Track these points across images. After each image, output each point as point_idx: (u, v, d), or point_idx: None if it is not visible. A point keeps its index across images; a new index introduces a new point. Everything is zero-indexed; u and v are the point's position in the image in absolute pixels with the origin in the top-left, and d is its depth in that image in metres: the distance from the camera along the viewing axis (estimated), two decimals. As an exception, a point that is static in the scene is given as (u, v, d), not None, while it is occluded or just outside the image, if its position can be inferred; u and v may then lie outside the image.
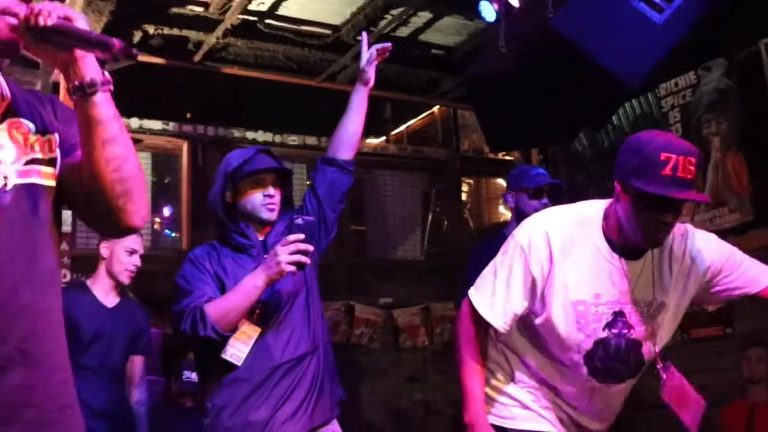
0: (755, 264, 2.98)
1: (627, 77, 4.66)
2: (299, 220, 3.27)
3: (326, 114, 8.67)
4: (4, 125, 1.87)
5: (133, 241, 4.79)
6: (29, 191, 1.84)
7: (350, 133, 3.86)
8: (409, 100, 8.82)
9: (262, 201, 3.48)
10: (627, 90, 5.09)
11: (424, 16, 6.97)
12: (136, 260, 4.78)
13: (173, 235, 8.50)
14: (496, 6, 5.48)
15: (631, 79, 4.69)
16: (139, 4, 6.21)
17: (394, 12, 6.74)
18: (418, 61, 7.67)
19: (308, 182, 8.74)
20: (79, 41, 1.74)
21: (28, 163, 1.86)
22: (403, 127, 10.23)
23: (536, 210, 4.16)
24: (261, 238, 3.53)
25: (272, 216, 3.50)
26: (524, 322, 2.99)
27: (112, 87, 1.81)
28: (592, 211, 2.93)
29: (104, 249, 4.78)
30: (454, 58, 7.73)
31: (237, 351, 3.30)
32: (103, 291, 4.77)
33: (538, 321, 2.94)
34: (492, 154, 9.16)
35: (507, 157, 9.48)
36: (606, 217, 2.88)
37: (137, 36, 6.58)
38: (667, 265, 2.92)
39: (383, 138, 10.10)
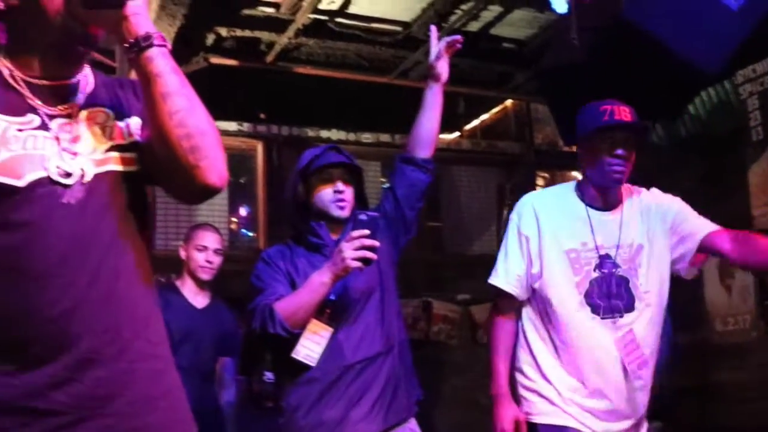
0: (701, 217, 3.52)
1: (704, 64, 4.56)
2: (363, 216, 3.24)
3: (399, 111, 8.69)
4: (83, 116, 1.91)
5: (202, 238, 4.81)
6: (108, 180, 1.86)
7: (427, 131, 3.79)
8: (481, 95, 8.78)
9: (332, 197, 3.48)
10: (704, 77, 4.98)
11: (495, 9, 6.91)
12: (209, 256, 4.78)
13: (250, 234, 8.58)
14: (567, -3, 5.40)
15: (709, 66, 4.58)
16: (212, 8, 6.28)
17: (465, 6, 6.71)
18: (489, 55, 7.62)
19: (382, 180, 8.77)
20: None
21: (106, 151, 1.88)
22: (476, 122, 10.16)
23: None
24: (334, 237, 3.51)
25: (342, 213, 3.49)
26: (534, 304, 3.53)
27: (168, 44, 1.82)
28: (567, 183, 3.67)
29: (182, 251, 4.82)
30: (525, 51, 7.66)
31: (309, 351, 3.29)
32: (191, 292, 4.79)
33: (538, 284, 3.48)
34: (566, 147, 9.06)
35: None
36: (580, 183, 3.58)
37: (210, 39, 6.67)
38: (638, 214, 3.51)
39: (457, 133, 10.05)
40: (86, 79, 1.98)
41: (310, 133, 8.04)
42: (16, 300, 1.72)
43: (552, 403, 3.42)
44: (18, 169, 1.75)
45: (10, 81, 1.87)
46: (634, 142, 3.41)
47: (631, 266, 3.43)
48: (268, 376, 5.76)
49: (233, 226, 8.47)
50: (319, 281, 3.24)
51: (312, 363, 3.30)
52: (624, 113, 3.35)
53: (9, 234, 1.73)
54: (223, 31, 6.67)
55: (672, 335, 4.63)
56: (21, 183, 1.75)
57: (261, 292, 3.38)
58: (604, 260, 3.43)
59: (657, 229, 3.50)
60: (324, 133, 8.07)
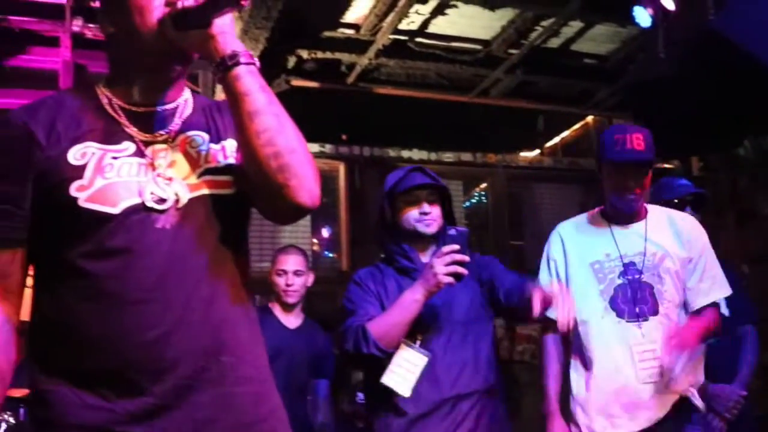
0: (711, 279, 3.63)
1: (796, 77, 4.46)
2: (452, 231, 3.21)
3: (480, 129, 8.70)
4: (178, 141, 1.91)
5: (281, 262, 4.80)
6: (203, 203, 1.85)
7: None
8: (562, 111, 8.71)
9: (418, 218, 3.44)
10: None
11: (575, 25, 6.88)
12: (289, 279, 4.74)
13: (331, 255, 8.60)
14: (650, 11, 5.33)
15: (801, 79, 4.48)
16: (293, 31, 6.35)
17: (545, 23, 6.69)
18: (570, 72, 7.59)
19: (464, 198, 8.73)
20: (215, 8, 1.77)
21: (201, 175, 1.88)
22: (556, 139, 10.07)
23: None
24: (425, 259, 3.46)
25: (429, 230, 3.44)
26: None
27: (257, 63, 1.81)
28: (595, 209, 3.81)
29: (270, 274, 4.84)
30: (607, 66, 7.61)
31: (402, 379, 3.23)
32: (283, 313, 4.78)
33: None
34: (663, 162, 8.93)
35: (665, 165, 9.21)
36: (604, 205, 3.74)
37: (291, 61, 6.75)
38: (667, 227, 3.65)
39: (537, 151, 9.99)
40: (186, 103, 1.99)
41: (392, 153, 8.04)
42: (113, 326, 1.72)
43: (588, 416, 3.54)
44: (113, 196, 1.77)
45: (108, 109, 1.89)
46: (645, 172, 3.56)
47: (655, 273, 3.54)
48: (360, 397, 5.73)
49: (315, 248, 8.51)
50: (411, 298, 3.20)
51: (402, 393, 3.23)
52: (637, 142, 3.50)
53: (105, 261, 1.74)
54: (305, 54, 6.74)
55: (758, 356, 4.49)
56: (116, 210, 1.76)
57: (353, 313, 3.36)
58: (628, 267, 3.56)
59: (677, 245, 3.62)
60: (405, 153, 8.06)
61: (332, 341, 4.79)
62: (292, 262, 4.79)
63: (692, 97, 5.08)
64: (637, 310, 3.49)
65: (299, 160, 1.78)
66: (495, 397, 3.40)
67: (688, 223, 3.74)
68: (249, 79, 1.78)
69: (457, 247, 3.14)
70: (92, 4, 5.67)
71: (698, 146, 6.71)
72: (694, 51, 4.72)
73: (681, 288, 3.59)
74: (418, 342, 3.27)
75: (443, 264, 3.12)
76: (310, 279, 4.90)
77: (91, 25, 5.98)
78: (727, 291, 3.68)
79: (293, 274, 4.77)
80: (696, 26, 4.63)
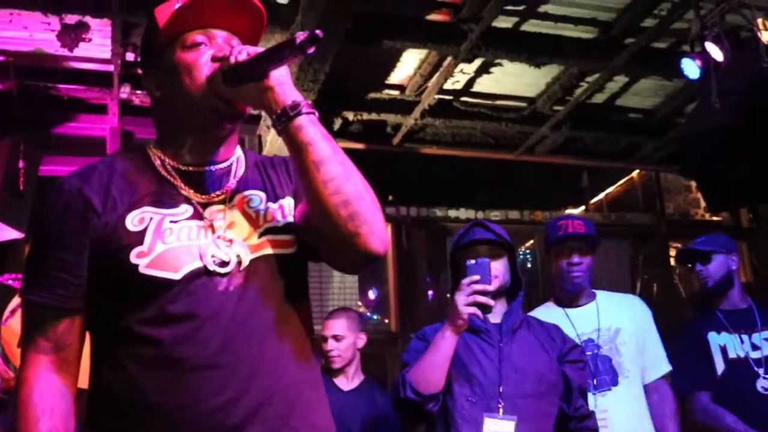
0: (659, 354, 4.15)
1: None
2: (471, 262, 3.18)
3: (527, 187, 8.66)
4: (235, 201, 1.89)
5: (322, 328, 4.80)
6: (265, 264, 1.82)
7: None
8: (608, 167, 8.67)
9: None
10: None
11: (620, 80, 6.88)
12: (329, 345, 4.71)
13: (375, 317, 8.56)
14: (699, 63, 5.31)
15: None
16: (339, 93, 6.38)
17: (590, 79, 6.69)
18: (615, 126, 7.57)
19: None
20: (271, 59, 1.75)
21: (261, 235, 1.85)
22: (601, 195, 10.00)
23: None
24: (496, 321, 3.39)
25: (490, 287, 3.37)
26: None
27: (316, 112, 1.79)
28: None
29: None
30: (652, 120, 7.58)
31: None
32: (337, 375, 4.77)
33: None
34: (710, 215, 8.83)
35: (714, 218, 9.11)
36: (556, 295, 4.22)
37: (337, 123, 6.77)
38: (615, 305, 4.14)
39: (582, 207, 9.92)
40: (239, 161, 1.97)
41: (439, 213, 8.02)
42: (177, 394, 1.69)
43: None
44: (174, 261, 1.74)
45: (162, 172, 1.88)
46: (587, 249, 4.06)
47: (612, 346, 3.92)
48: None
49: (363, 309, 8.48)
50: (440, 337, 3.17)
51: None
52: (578, 226, 4.05)
53: (167, 328, 1.72)
54: (350, 116, 6.77)
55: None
56: (178, 276, 1.73)
57: (404, 366, 3.33)
58: (587, 344, 3.92)
59: (632, 326, 4.06)
60: (452, 213, 8.03)
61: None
62: (331, 327, 4.79)
63: (743, 147, 5.03)
64: (599, 381, 3.85)
65: (368, 207, 1.76)
66: None
67: (635, 301, 4.28)
68: (312, 129, 1.76)
69: (477, 277, 3.13)
70: (139, 71, 5.77)
71: (748, 198, 6.62)
72: (747, 100, 4.68)
73: (638, 359, 4.00)
74: (501, 409, 3.17)
75: (464, 296, 3.10)
76: (360, 341, 4.86)
77: (138, 92, 6.09)
78: (669, 366, 4.15)
79: (332, 339, 4.75)
80: (749, 75, 4.59)
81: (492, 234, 3.45)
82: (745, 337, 4.34)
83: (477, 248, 3.40)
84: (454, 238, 3.55)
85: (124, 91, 6.09)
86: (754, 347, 4.29)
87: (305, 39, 1.68)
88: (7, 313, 5.69)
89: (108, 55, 5.67)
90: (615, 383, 3.71)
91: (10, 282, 6.14)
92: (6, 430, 4.94)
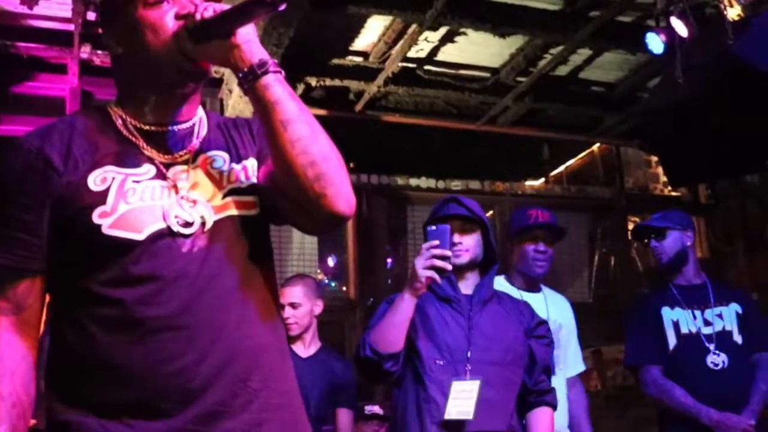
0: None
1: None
2: (431, 227, 3.27)
3: (488, 157, 8.68)
4: (199, 161, 1.87)
5: (279, 295, 4.72)
6: (229, 225, 1.81)
7: None
8: (570, 140, 8.71)
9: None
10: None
11: (584, 53, 6.89)
12: (286, 312, 4.63)
13: (334, 285, 8.56)
14: (663, 38, 5.31)
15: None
16: (302, 58, 6.34)
17: (554, 51, 6.69)
18: (578, 99, 7.59)
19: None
20: (239, 16, 1.72)
21: (225, 196, 1.84)
22: (562, 168, 10.06)
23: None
24: (468, 292, 3.48)
25: (458, 261, 3.41)
26: None
27: (283, 72, 1.77)
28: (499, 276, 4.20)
29: None
30: (615, 94, 7.60)
31: (462, 407, 3.18)
32: (296, 341, 4.74)
33: None
34: (672, 190, 8.92)
35: (673, 193, 9.19)
36: (509, 275, 4.38)
37: (300, 89, 6.72)
38: (556, 302, 4.40)
39: (542, 179, 9.97)
40: (201, 122, 1.94)
41: (400, 181, 8.00)
42: (140, 355, 1.67)
43: None
44: (137, 222, 1.72)
45: (124, 132, 1.85)
46: (552, 238, 4.25)
47: (555, 338, 3.93)
48: (368, 409, 5.63)
49: (322, 277, 8.46)
50: (399, 299, 3.25)
51: (468, 416, 3.16)
52: (543, 216, 4.25)
53: (130, 288, 1.69)
54: (313, 81, 6.72)
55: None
56: (141, 236, 1.71)
57: (368, 328, 3.40)
58: None
59: (568, 324, 4.39)
60: (413, 181, 8.02)
61: (353, 370, 4.72)
62: (287, 294, 4.72)
63: (708, 122, 5.06)
64: None
65: (335, 167, 1.75)
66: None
67: (567, 302, 4.54)
68: (279, 88, 1.74)
69: (436, 242, 3.20)
70: (99, 28, 5.68)
71: (721, 171, 6.66)
72: (712, 75, 4.69)
73: (565, 355, 4.30)
74: (468, 373, 3.25)
75: (423, 260, 3.18)
76: (317, 308, 4.84)
77: (99, 52, 5.99)
78: (584, 366, 4.54)
79: (289, 307, 4.69)
80: (714, 51, 4.60)
81: (465, 209, 3.52)
82: (698, 312, 4.41)
83: (451, 223, 3.44)
84: (430, 213, 3.59)
85: (85, 51, 5.99)
86: (706, 323, 4.37)
87: None
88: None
89: (69, 14, 5.59)
90: (553, 373, 3.75)
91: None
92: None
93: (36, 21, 5.85)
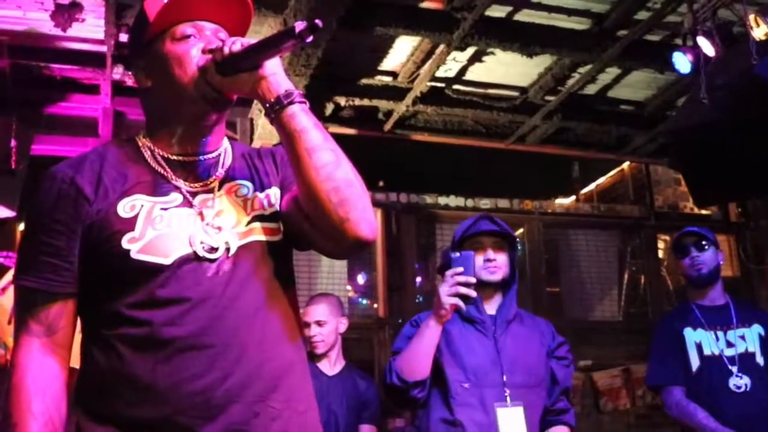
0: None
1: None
2: (455, 254, 3.26)
3: (517, 175, 8.69)
4: (223, 191, 1.93)
5: (303, 314, 4.73)
6: (253, 251, 1.87)
7: None
8: (599, 158, 8.69)
9: (482, 264, 3.47)
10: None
11: (612, 72, 6.89)
12: (310, 331, 4.67)
13: (364, 303, 8.59)
14: (690, 57, 5.32)
15: None
16: (331, 78, 6.40)
17: (582, 70, 6.70)
18: (607, 118, 7.59)
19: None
20: (266, 49, 1.79)
21: (249, 223, 1.90)
22: (592, 186, 10.06)
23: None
24: (489, 310, 3.50)
25: (493, 277, 3.46)
26: None
27: (307, 102, 1.83)
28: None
29: None
30: (644, 112, 7.60)
31: None
32: (319, 360, 4.75)
33: None
34: (698, 208, 8.86)
35: (703, 212, 9.15)
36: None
37: (329, 108, 6.79)
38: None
39: (572, 198, 9.96)
40: (226, 152, 2.01)
41: (429, 200, 8.03)
42: (165, 373, 1.73)
43: None
44: (164, 247, 1.79)
45: (152, 162, 1.92)
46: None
47: None
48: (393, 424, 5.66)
49: (351, 294, 8.50)
50: (425, 326, 3.27)
51: None
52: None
53: (156, 310, 1.76)
54: (342, 101, 6.78)
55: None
56: (168, 261, 1.78)
57: (398, 351, 3.41)
58: None
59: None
60: (442, 200, 8.05)
61: (376, 387, 4.75)
62: (312, 312, 4.76)
63: (733, 142, 5.05)
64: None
65: (358, 193, 1.80)
66: None
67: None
68: (304, 117, 1.81)
69: (461, 269, 3.19)
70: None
71: (747, 191, 6.63)
72: (736, 96, 4.69)
73: None
74: (508, 398, 3.28)
75: (447, 286, 3.18)
76: (342, 326, 4.86)
77: (131, 73, 6.04)
78: None
79: (315, 325, 4.73)
80: (738, 72, 4.60)
81: (497, 227, 3.55)
82: (720, 334, 4.37)
83: (482, 240, 3.51)
84: (458, 229, 3.62)
85: (117, 72, 6.09)
86: (729, 345, 4.33)
87: (304, 28, 1.71)
88: (-2, 290, 5.72)
89: (101, 36, 5.67)
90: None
91: (1, 260, 6.16)
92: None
93: (69, 43, 5.94)
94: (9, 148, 5.74)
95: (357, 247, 1.85)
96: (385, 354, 4.54)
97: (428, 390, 3.34)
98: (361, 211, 1.79)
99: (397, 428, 5.72)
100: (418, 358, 3.26)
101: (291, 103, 1.80)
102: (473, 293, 3.19)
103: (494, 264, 3.47)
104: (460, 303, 3.17)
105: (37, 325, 1.84)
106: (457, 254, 3.26)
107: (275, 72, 1.82)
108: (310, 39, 1.74)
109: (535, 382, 3.38)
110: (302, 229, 1.89)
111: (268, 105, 1.82)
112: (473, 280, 3.19)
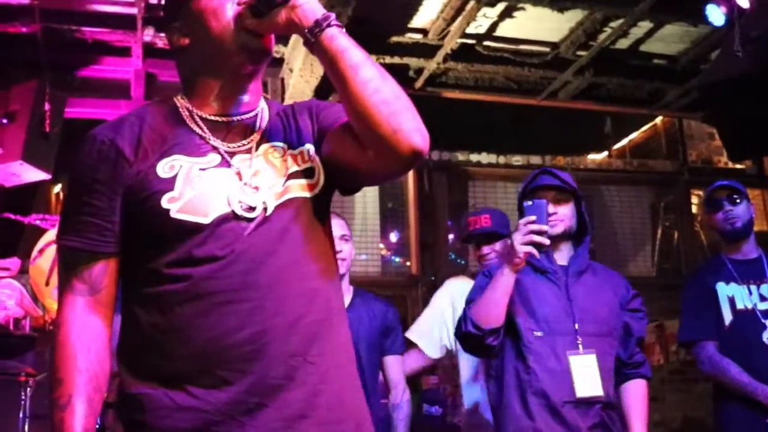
0: None
1: None
2: (527, 203, 3.28)
3: (549, 132, 8.66)
4: (260, 151, 1.96)
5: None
6: (290, 209, 1.90)
7: None
8: (631, 113, 8.63)
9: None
10: None
11: (645, 26, 6.81)
12: (338, 246, 3.72)
13: (397, 260, 8.63)
14: (724, 9, 5.26)
15: None
16: (361, 36, 6.30)
17: (614, 24, 6.63)
18: (639, 73, 7.51)
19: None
20: None
21: (285, 181, 1.93)
22: (624, 141, 9.98)
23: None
24: (563, 263, 3.51)
25: (553, 230, 3.38)
26: None
27: (343, 26, 1.85)
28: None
29: None
30: (677, 66, 7.51)
31: (590, 383, 3.28)
32: None
33: None
34: (731, 162, 8.78)
35: (738, 166, 9.08)
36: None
37: (360, 67, 6.75)
38: None
39: (605, 153, 9.90)
40: (262, 113, 2.03)
41: (460, 157, 8.03)
42: (204, 326, 1.77)
43: None
44: (203, 207, 1.82)
45: (190, 122, 1.95)
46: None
47: None
48: (427, 408, 5.51)
49: (384, 253, 8.54)
50: (499, 275, 3.29)
51: (598, 392, 3.28)
52: (485, 221, 4.44)
53: (195, 267, 1.80)
54: (372, 59, 6.73)
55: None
56: (207, 220, 1.81)
57: (471, 301, 3.45)
58: None
59: None
60: (474, 157, 8.05)
61: (395, 311, 4.37)
62: (337, 226, 3.82)
63: (765, 95, 4.99)
64: None
65: (406, 105, 1.81)
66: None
67: None
68: (344, 38, 1.83)
69: (533, 218, 3.21)
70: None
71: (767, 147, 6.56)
72: (771, 47, 4.64)
73: None
74: (580, 345, 3.33)
75: (520, 235, 3.20)
76: (353, 251, 4.30)
77: (161, 35, 6.08)
78: None
79: (340, 239, 3.99)
80: (773, 22, 4.55)
81: (557, 180, 3.55)
82: (753, 287, 4.34)
83: (543, 194, 3.49)
84: (523, 185, 3.63)
85: (148, 34, 6.12)
86: (762, 298, 4.30)
87: None
88: (35, 252, 5.82)
89: (132, -2, 5.70)
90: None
91: (37, 222, 6.25)
92: (36, 367, 5.07)
93: (100, 5, 5.98)
94: (43, 111, 5.79)
95: (412, 158, 1.84)
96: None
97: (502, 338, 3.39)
98: (412, 121, 1.79)
99: (432, 386, 5.74)
100: (492, 305, 3.30)
101: (329, 25, 1.81)
102: (546, 241, 3.20)
103: (555, 217, 3.44)
104: (534, 251, 3.20)
105: (80, 284, 1.87)
106: (530, 203, 3.27)
107: (308, 0, 1.85)
108: None
109: (607, 331, 3.41)
110: (351, 161, 1.92)
111: (307, 31, 1.82)
112: (546, 228, 3.21)
